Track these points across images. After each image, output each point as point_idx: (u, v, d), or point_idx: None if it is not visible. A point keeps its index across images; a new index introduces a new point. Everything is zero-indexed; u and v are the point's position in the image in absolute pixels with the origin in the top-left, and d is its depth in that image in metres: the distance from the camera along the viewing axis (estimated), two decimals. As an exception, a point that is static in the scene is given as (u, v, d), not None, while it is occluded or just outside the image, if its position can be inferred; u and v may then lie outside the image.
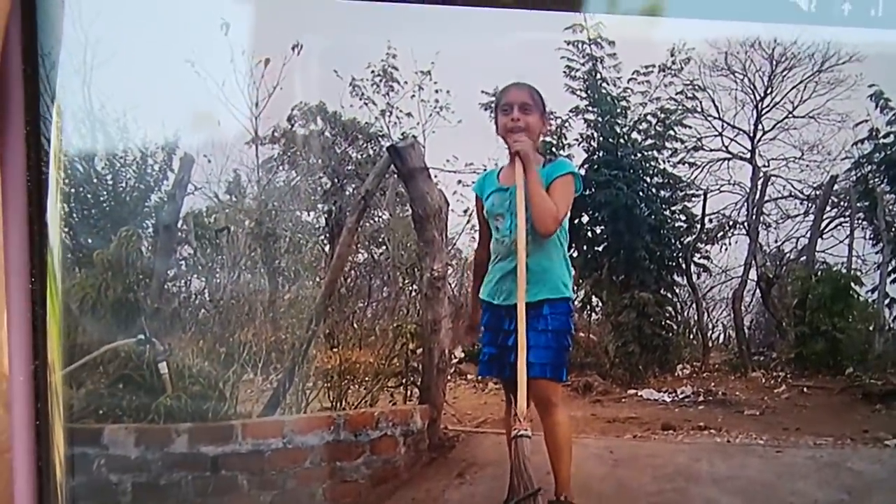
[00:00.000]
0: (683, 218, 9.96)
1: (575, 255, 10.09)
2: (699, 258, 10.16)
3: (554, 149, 9.91)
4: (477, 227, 3.60)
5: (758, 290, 14.38)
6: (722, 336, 11.06)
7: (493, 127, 3.37)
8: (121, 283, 4.59)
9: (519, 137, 3.05)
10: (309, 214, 14.41)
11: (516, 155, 3.11)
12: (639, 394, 8.19)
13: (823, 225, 15.04)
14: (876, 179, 10.03)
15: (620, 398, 8.12)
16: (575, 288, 9.39)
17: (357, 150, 14.11)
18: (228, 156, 7.78)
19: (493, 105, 3.47)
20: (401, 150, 4.37)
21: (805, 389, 8.08)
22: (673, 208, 9.91)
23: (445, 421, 4.91)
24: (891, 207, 9.95)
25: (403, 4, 2.00)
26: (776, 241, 16.25)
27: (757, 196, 14.54)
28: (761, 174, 14.42)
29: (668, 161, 10.02)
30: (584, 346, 9.44)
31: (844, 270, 9.42)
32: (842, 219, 13.72)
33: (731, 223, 15.16)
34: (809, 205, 14.55)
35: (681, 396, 7.94)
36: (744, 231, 14.96)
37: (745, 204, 14.99)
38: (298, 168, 14.40)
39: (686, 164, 10.44)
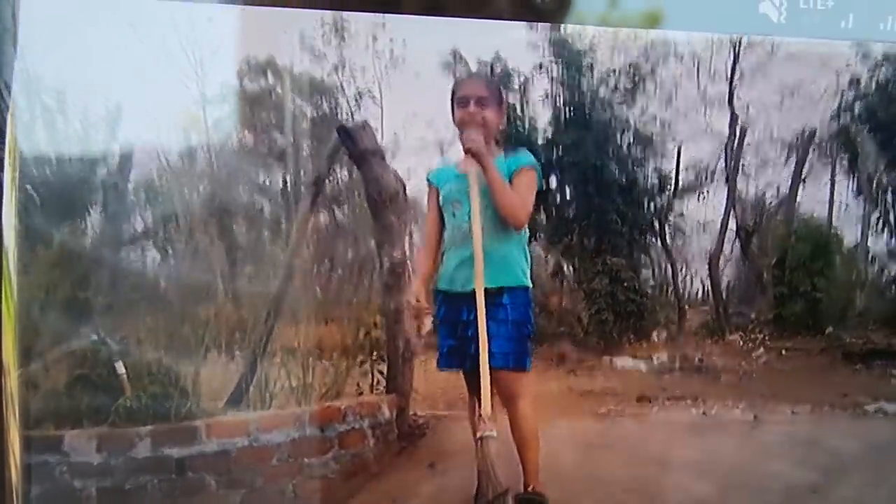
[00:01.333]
0: (656, 177, 10.23)
1: (544, 220, 10.34)
2: (674, 217, 10.46)
3: (519, 112, 10.10)
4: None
5: (737, 242, 14.87)
6: (700, 293, 11.43)
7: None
8: (69, 280, 4.71)
9: (472, 136, 3.19)
10: (264, 177, 14.47)
11: (468, 153, 3.25)
12: (614, 362, 8.50)
13: (805, 172, 15.53)
14: (857, 127, 10.30)
15: (594, 367, 8.43)
16: (548, 257, 9.83)
17: (313, 107, 14.13)
18: (176, 120, 7.81)
19: (450, 92, 3.53)
20: (351, 132, 4.44)
21: (783, 352, 8.45)
22: (645, 168, 10.16)
23: (415, 405, 5.11)
24: (873, 161, 10.30)
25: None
26: (756, 191, 16.71)
27: (735, 143, 14.86)
28: (739, 120, 14.75)
29: (640, 119, 10.26)
30: (557, 315, 9.74)
31: (825, 226, 9.72)
32: (823, 167, 14.13)
33: (708, 173, 15.51)
34: (790, 152, 14.93)
35: (657, 364, 8.26)
36: (722, 180, 15.33)
37: (723, 152, 15.29)
38: (251, 128, 14.37)
39: (658, 121, 10.71)
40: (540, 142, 9.96)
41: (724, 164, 14.38)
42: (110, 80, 5.59)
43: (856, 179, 10.44)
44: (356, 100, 12.90)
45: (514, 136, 9.85)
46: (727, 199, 14.29)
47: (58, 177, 5.99)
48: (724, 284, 10.60)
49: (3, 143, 2.79)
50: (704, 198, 15.55)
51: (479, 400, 3.16)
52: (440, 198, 3.49)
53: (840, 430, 5.43)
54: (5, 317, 2.90)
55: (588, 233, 9.71)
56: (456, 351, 3.33)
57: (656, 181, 10.27)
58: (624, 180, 9.62)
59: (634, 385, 7.42)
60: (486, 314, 3.11)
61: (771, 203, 16.51)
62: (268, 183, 13.27)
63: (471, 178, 3.30)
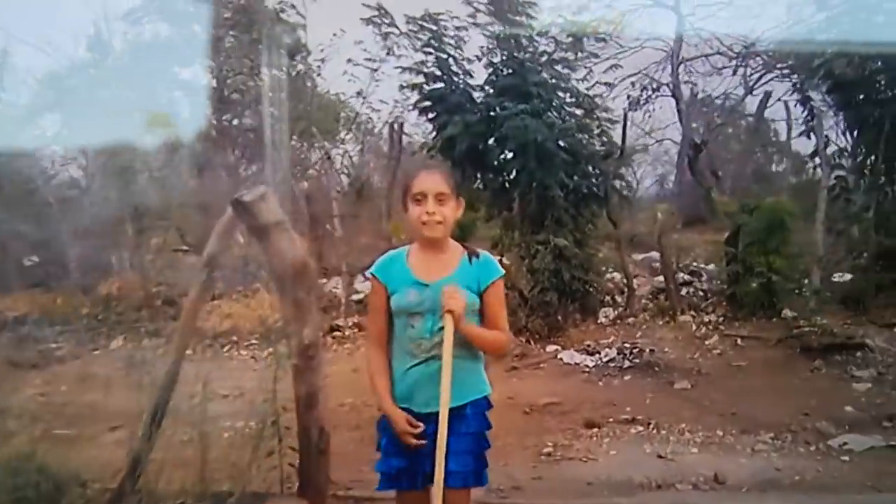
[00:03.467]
0: (601, 143, 9.34)
1: (482, 187, 9.45)
2: (620, 186, 9.64)
3: (454, 69, 9.04)
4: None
5: (686, 160, 14.14)
6: (649, 267, 10.79)
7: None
8: None
9: (453, 295, 2.56)
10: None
11: (448, 314, 2.54)
12: (559, 357, 7.81)
13: (753, 81, 14.76)
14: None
15: (539, 363, 7.72)
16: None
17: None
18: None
19: (402, 186, 2.78)
20: (248, 205, 3.53)
21: (739, 341, 7.84)
22: (589, 133, 9.25)
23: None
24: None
25: None
26: (703, 100, 15.88)
27: (681, 50, 13.91)
28: (686, 24, 13.79)
29: (583, 81, 9.30)
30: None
31: (775, 201, 8.99)
32: (770, 74, 13.31)
33: (654, 85, 14.61)
34: (739, 61, 14.06)
35: (605, 360, 7.58)
36: (668, 92, 14.44)
37: (669, 61, 14.35)
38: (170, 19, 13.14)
39: (604, 85, 9.78)
40: (477, 101, 9.02)
41: (670, 71, 13.63)
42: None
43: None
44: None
45: (449, 98, 8.89)
46: (677, 112, 13.61)
47: None
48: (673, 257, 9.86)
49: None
50: (650, 115, 14.98)
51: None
52: (391, 302, 2.76)
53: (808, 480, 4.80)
54: None
55: (529, 206, 8.82)
56: (406, 471, 2.76)
57: (601, 146, 9.37)
58: (566, 152, 8.64)
59: (581, 395, 6.70)
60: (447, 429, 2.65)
61: (719, 113, 15.95)
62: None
63: (446, 329, 2.70)
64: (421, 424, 2.72)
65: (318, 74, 13.53)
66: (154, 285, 10.14)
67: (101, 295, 10.34)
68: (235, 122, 13.73)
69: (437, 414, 2.67)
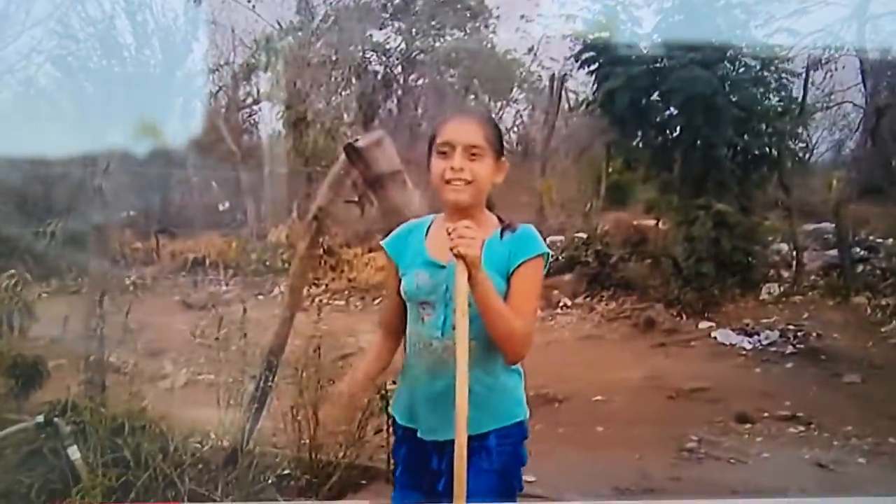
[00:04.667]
0: (778, 99, 8.40)
1: (640, 145, 8.79)
2: (797, 147, 8.70)
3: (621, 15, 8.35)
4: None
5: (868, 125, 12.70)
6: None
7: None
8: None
9: (466, 233, 1.94)
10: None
11: (459, 259, 1.96)
12: (713, 335, 7.17)
13: None
14: None
15: (690, 341, 7.14)
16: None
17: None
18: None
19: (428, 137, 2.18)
20: (362, 151, 3.20)
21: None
22: (766, 87, 8.33)
23: None
24: None
25: None
26: (891, 62, 14.20)
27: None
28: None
29: (762, 27, 8.33)
30: (650, 265, 8.37)
31: None
32: None
33: (838, 42, 13.14)
34: None
35: (765, 343, 6.89)
36: (852, 51, 13.00)
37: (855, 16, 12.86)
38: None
39: (785, 32, 8.73)
40: (643, 51, 8.33)
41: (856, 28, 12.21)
42: None
43: None
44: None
45: (613, 48, 8.25)
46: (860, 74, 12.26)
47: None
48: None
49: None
50: (831, 75, 13.60)
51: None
52: (402, 285, 2.21)
53: None
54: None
55: (692, 167, 8.11)
56: None
57: (778, 103, 8.44)
58: (738, 108, 7.81)
59: (734, 382, 6.10)
60: (467, 463, 1.98)
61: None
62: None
63: (457, 282, 2.00)
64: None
65: (494, 33, 13.47)
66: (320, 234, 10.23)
67: (271, 242, 10.60)
68: (420, 81, 13.90)
69: (449, 443, 2.05)
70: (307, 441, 3.88)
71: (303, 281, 3.71)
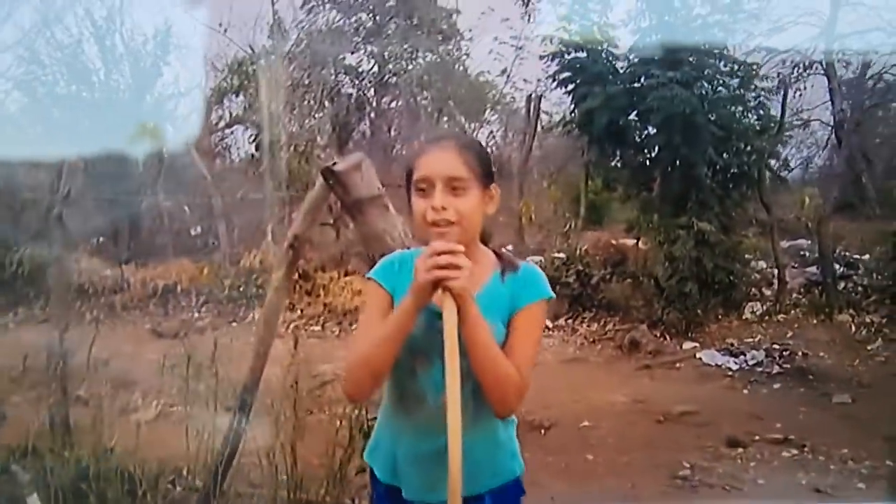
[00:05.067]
0: (756, 117, 8.33)
1: (619, 165, 8.69)
2: (776, 165, 8.64)
3: (596, 34, 8.25)
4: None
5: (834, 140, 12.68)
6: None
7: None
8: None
9: (447, 260, 1.69)
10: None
11: (445, 292, 1.71)
12: (698, 356, 7.03)
13: None
14: None
15: (675, 362, 7.00)
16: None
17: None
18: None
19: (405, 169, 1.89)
20: (340, 175, 3.00)
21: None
22: (744, 105, 8.26)
23: None
24: None
25: None
26: (854, 80, 14.25)
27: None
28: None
29: (740, 46, 8.29)
30: (632, 285, 8.23)
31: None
32: None
33: (807, 62, 13.18)
34: None
35: (751, 363, 6.77)
36: (821, 70, 13.03)
37: (824, 36, 12.90)
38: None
39: (762, 51, 8.71)
40: (621, 70, 8.22)
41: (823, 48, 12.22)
42: None
43: None
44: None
45: (591, 67, 8.14)
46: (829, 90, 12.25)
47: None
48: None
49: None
50: (800, 94, 13.61)
51: None
52: None
53: None
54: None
55: (671, 185, 8.01)
56: None
57: (756, 121, 8.36)
58: (717, 125, 7.73)
59: (722, 404, 5.96)
60: None
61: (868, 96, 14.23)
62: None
63: (445, 319, 1.77)
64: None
65: (467, 55, 13.70)
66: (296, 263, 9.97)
67: (245, 267, 10.35)
68: (393, 104, 14.01)
69: None
70: (285, 479, 3.67)
71: (278, 313, 3.48)
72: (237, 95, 12.77)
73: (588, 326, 7.91)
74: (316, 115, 12.19)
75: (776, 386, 6.35)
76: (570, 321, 8.03)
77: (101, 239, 11.66)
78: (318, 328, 8.75)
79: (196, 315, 9.35)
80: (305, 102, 11.95)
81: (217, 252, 11.14)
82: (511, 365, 1.80)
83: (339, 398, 3.61)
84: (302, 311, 9.15)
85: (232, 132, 13.78)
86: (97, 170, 9.56)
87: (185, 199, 11.97)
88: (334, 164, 3.08)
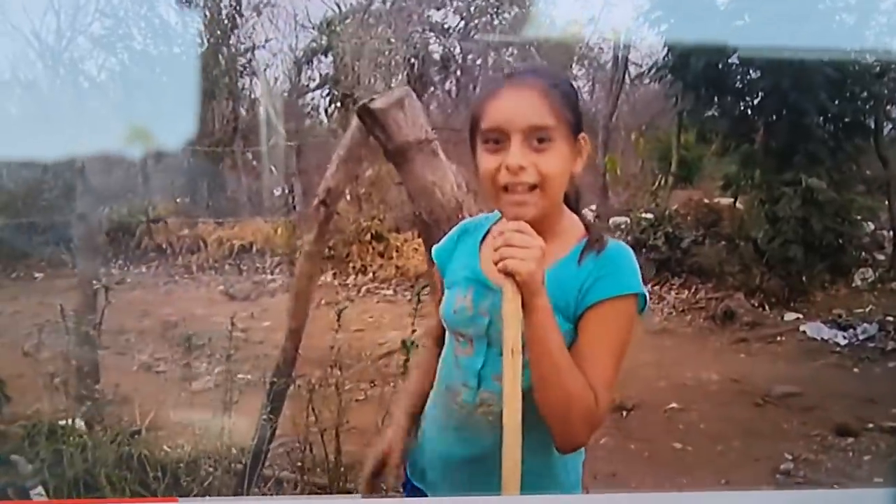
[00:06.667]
0: (875, 58, 7.40)
1: (717, 114, 7.91)
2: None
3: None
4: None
5: None
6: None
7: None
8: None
9: (514, 241, 1.27)
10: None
11: (507, 278, 1.24)
12: (802, 329, 6.32)
13: None
14: None
15: (775, 335, 6.30)
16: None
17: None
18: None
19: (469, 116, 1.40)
20: (379, 115, 2.47)
21: None
22: (860, 45, 7.35)
23: None
24: None
25: None
26: None
27: None
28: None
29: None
30: (727, 249, 7.52)
31: None
32: None
33: None
34: None
35: (862, 337, 6.03)
36: None
37: None
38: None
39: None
40: (720, 7, 7.46)
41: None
42: None
43: None
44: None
45: (685, 3, 7.41)
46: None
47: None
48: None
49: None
50: None
51: None
52: (443, 308, 1.55)
53: None
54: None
55: (777, 136, 7.21)
56: None
57: (876, 61, 7.44)
58: (832, 68, 6.88)
59: (829, 384, 5.27)
60: None
61: None
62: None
63: (505, 311, 1.29)
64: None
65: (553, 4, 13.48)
66: (368, 219, 9.68)
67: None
68: (479, 61, 13.55)
69: None
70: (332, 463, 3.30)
71: (310, 283, 3.02)
72: (325, 55, 12.58)
73: (677, 294, 7.27)
74: (401, 75, 11.95)
75: (891, 364, 5.60)
76: (657, 288, 7.41)
77: (179, 199, 11.64)
78: (389, 292, 8.36)
79: (269, 277, 9.13)
80: (391, 62, 11.66)
81: (293, 213, 10.98)
82: (586, 384, 1.32)
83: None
84: (374, 273, 8.81)
85: (321, 92, 13.58)
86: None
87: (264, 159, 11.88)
88: (371, 100, 2.55)
